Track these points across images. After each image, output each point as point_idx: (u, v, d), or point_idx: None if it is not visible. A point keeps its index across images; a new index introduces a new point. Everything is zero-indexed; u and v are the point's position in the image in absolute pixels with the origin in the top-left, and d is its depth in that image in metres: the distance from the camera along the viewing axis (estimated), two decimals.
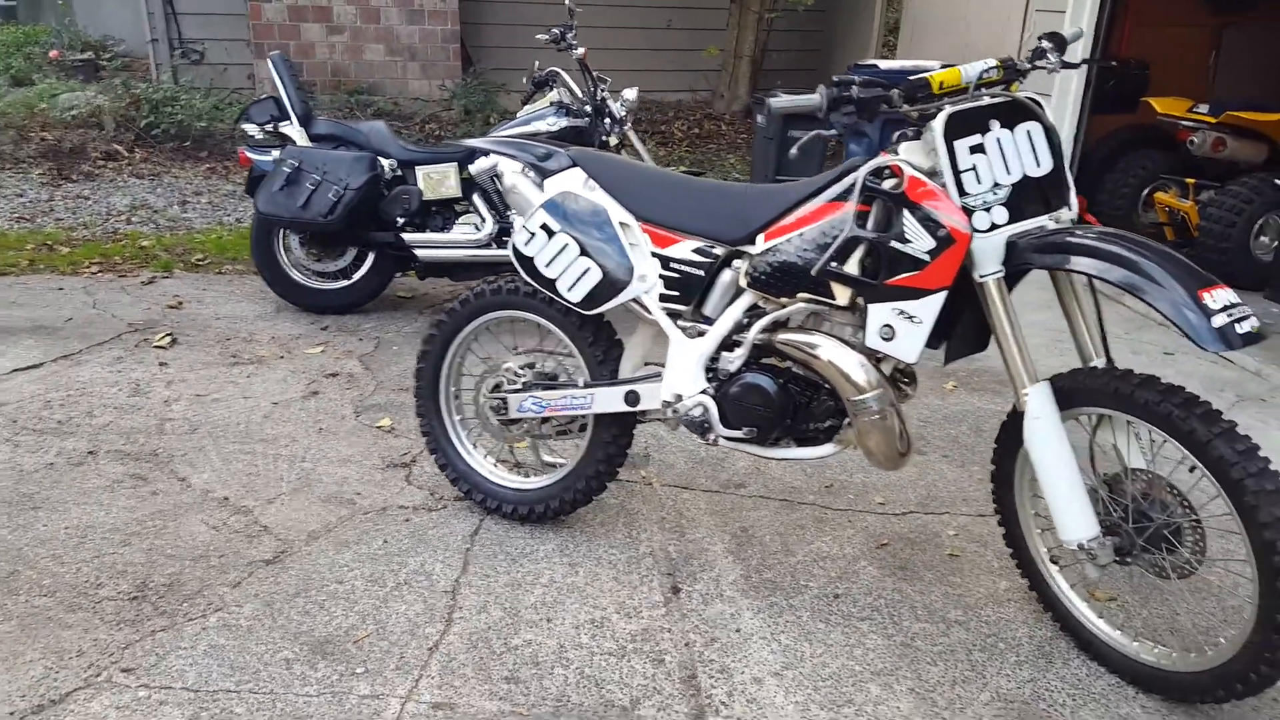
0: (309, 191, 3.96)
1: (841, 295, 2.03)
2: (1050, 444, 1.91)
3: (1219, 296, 1.71)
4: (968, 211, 1.88)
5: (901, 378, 2.18)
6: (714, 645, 2.17)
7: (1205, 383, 3.79)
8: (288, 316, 4.30)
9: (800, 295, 2.09)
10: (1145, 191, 5.58)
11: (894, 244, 1.93)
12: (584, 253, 2.28)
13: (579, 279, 2.29)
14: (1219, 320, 1.68)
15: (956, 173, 1.88)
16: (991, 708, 1.99)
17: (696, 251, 2.21)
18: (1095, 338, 2.04)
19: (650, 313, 2.28)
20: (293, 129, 4.29)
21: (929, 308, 1.92)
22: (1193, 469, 1.80)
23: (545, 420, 2.53)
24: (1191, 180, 5.23)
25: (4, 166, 6.72)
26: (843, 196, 2.02)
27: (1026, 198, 1.93)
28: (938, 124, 1.87)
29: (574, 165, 2.34)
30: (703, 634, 2.20)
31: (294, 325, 4.20)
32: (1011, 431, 2.09)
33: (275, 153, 4.18)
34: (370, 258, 4.30)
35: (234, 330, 4.10)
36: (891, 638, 2.20)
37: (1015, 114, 1.94)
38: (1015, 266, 1.91)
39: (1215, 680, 1.86)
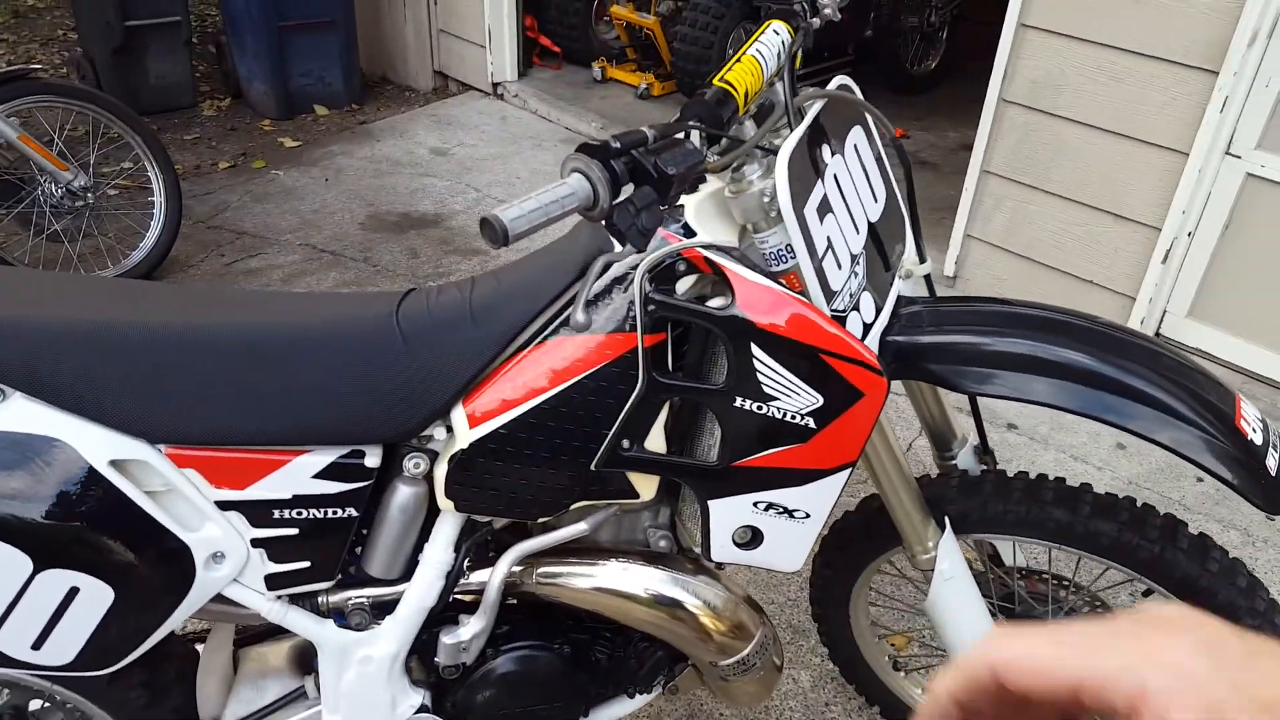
0: None
1: (645, 487, 1.09)
2: (968, 607, 1.28)
3: (1250, 416, 1.11)
4: (838, 319, 1.04)
5: None
6: None
7: None
8: None
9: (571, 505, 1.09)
10: (597, 3, 5.03)
11: (743, 402, 1.02)
12: (46, 560, 0.95)
13: (54, 619, 0.96)
14: (1275, 461, 1.11)
15: (816, 259, 1.01)
16: None
17: (330, 472, 1.04)
18: (949, 416, 1.39)
19: (257, 609, 1.07)
20: None
21: (825, 494, 1.09)
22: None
23: None
24: None
25: None
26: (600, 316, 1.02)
27: (874, 260, 1.15)
28: (780, 176, 0.95)
29: None
30: None
31: None
32: (854, 546, 1.42)
33: None
34: None
35: None
36: None
37: (843, 121, 1.11)
38: (896, 376, 1.15)
39: None
